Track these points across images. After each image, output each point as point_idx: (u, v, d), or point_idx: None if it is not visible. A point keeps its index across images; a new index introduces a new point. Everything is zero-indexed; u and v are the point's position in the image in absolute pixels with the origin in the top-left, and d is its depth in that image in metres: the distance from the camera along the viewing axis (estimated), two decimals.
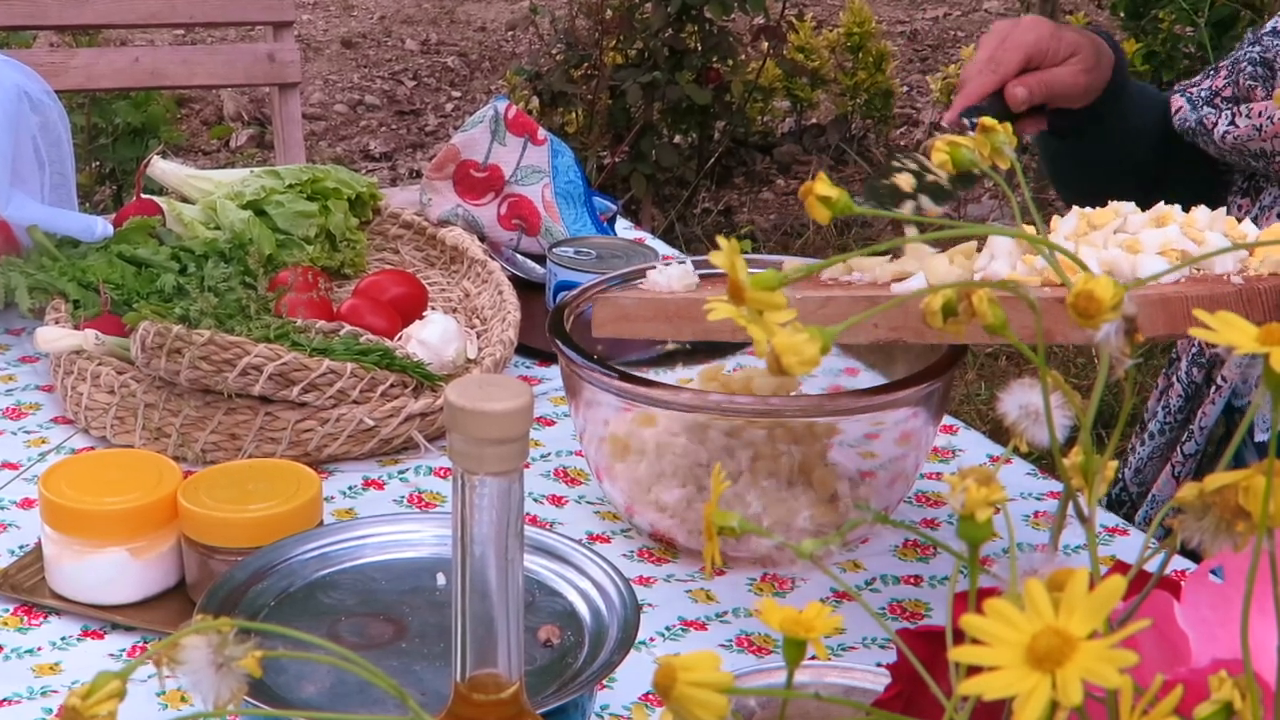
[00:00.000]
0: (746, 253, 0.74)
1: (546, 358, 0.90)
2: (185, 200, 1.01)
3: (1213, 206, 0.77)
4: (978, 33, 3.49)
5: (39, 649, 0.63)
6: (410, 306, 0.89)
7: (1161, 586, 0.27)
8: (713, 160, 2.50)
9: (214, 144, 2.91)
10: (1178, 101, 0.76)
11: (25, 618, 0.65)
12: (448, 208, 1.04)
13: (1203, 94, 0.76)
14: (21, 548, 0.70)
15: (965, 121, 0.67)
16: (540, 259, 1.00)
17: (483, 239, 1.02)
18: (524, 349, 0.90)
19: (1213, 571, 0.26)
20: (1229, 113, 0.72)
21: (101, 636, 0.64)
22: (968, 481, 0.28)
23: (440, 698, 0.36)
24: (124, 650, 0.63)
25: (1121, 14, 2.77)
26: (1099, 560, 0.27)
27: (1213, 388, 0.76)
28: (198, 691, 0.28)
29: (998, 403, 0.29)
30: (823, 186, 0.31)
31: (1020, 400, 0.28)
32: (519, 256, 1.03)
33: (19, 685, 0.60)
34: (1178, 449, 0.79)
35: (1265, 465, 0.25)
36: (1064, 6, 2.84)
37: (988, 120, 0.33)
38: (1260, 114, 0.70)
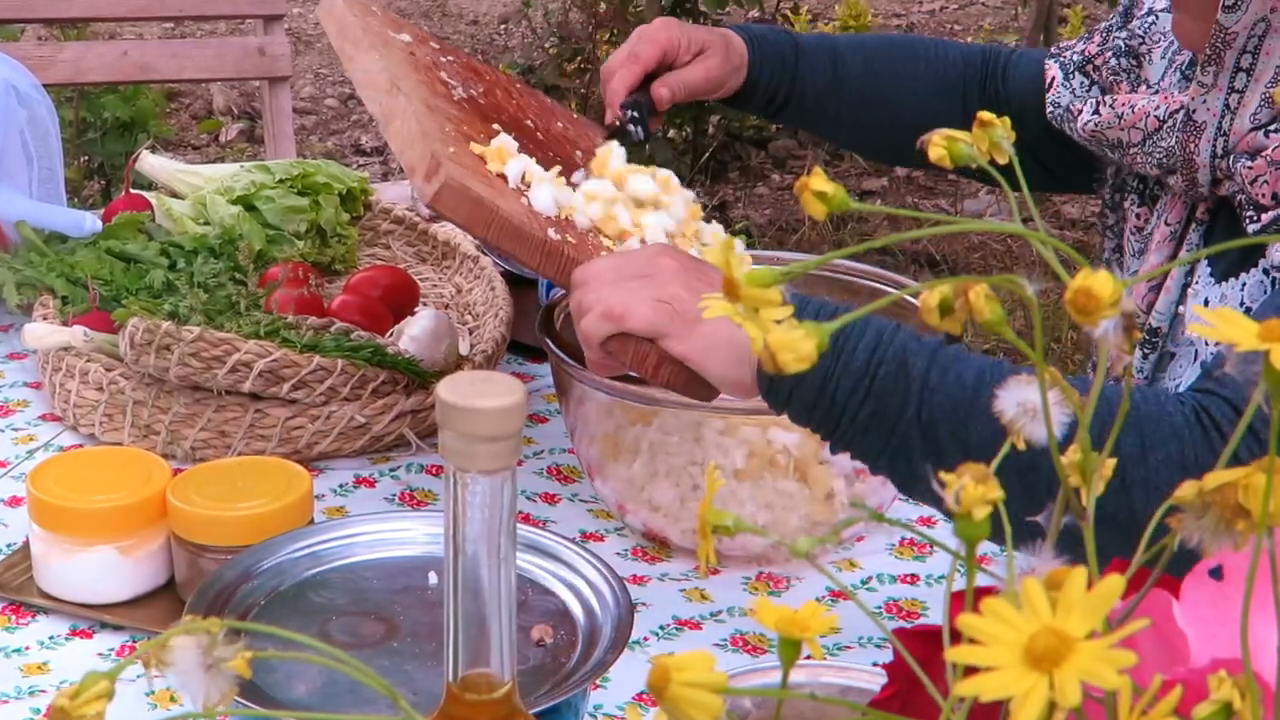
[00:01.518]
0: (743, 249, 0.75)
1: (539, 354, 0.90)
2: (175, 195, 1.01)
3: (1080, 189, 0.78)
4: (974, 26, 3.50)
5: (27, 648, 0.62)
6: (401, 302, 0.89)
7: (1160, 585, 0.27)
8: (707, 155, 2.50)
9: (204, 138, 2.89)
10: (1051, 69, 0.75)
11: (13, 617, 0.64)
12: None
13: (1075, 58, 0.75)
14: (9, 546, 0.70)
15: (626, 114, 0.75)
16: None
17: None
18: (516, 345, 0.90)
19: (1211, 571, 0.26)
20: (1094, 102, 0.71)
21: (90, 636, 0.63)
22: (964, 479, 0.28)
23: (432, 697, 0.35)
24: (113, 650, 0.62)
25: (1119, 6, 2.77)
26: (1097, 559, 0.27)
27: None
28: (187, 692, 0.28)
29: (995, 400, 0.28)
30: (818, 182, 0.30)
31: (1018, 397, 0.28)
32: None
33: (7, 685, 0.60)
34: None
35: (1265, 463, 0.24)
36: (1062, 0, 2.85)
37: (985, 115, 0.33)
38: (1124, 104, 0.69)
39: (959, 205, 2.55)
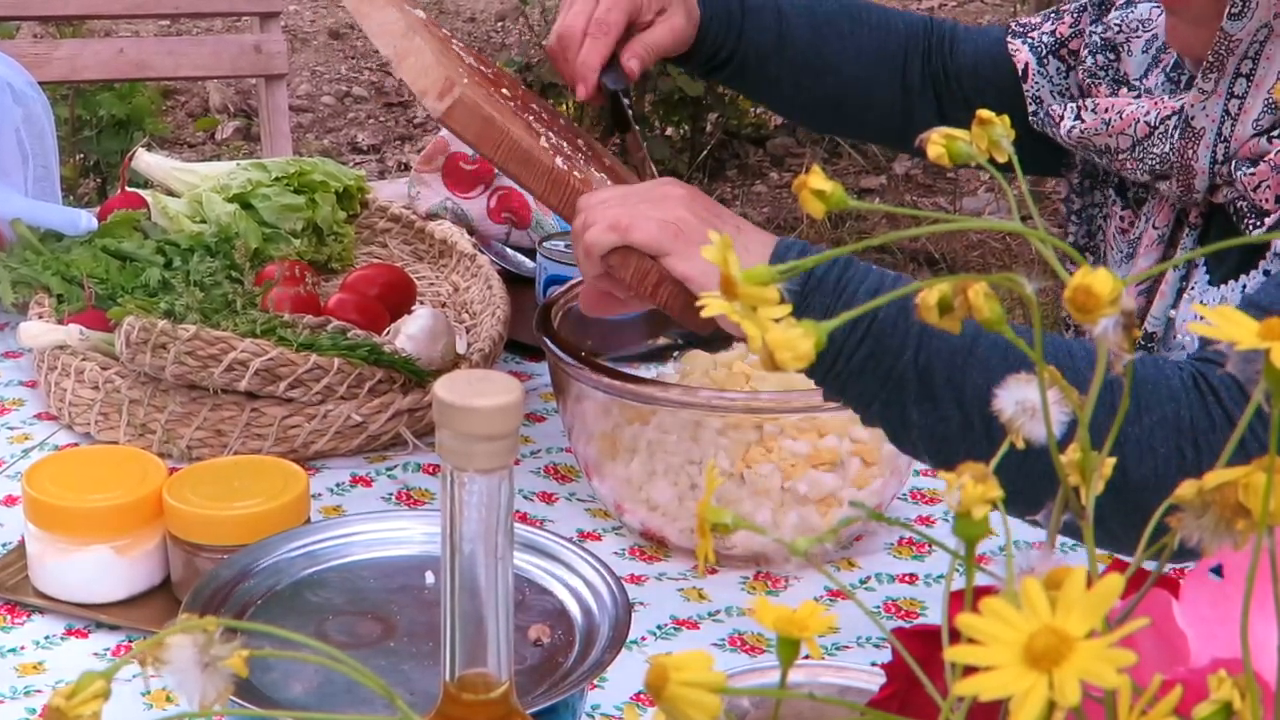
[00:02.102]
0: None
1: (536, 353, 0.90)
2: (170, 193, 1.01)
3: (1042, 170, 0.75)
4: (973, 22, 3.49)
5: (22, 648, 0.62)
6: (398, 301, 0.88)
7: (1160, 585, 0.27)
8: (705, 153, 2.49)
9: (200, 136, 2.89)
10: (1017, 49, 0.73)
11: (8, 616, 0.64)
12: (436, 201, 1.03)
13: (1044, 38, 0.73)
14: (4, 546, 0.69)
15: (614, 90, 0.72)
16: (530, 253, 1.00)
17: (472, 232, 1.01)
18: (514, 344, 0.90)
19: (1212, 570, 0.26)
20: (1074, 106, 0.70)
21: (86, 635, 0.63)
22: (964, 478, 0.28)
23: (429, 697, 0.35)
24: (109, 649, 0.62)
25: None
26: (1096, 558, 0.27)
27: None
28: (183, 691, 0.28)
29: (995, 398, 0.28)
30: (817, 180, 0.30)
31: (1017, 396, 0.28)
32: (508, 250, 1.03)
33: (2, 685, 0.59)
34: None
35: (1266, 461, 0.24)
36: None
37: (985, 113, 0.32)
38: (1109, 110, 0.68)
39: (958, 203, 2.55)
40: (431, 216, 1.02)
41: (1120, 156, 0.69)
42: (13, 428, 0.81)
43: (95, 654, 0.62)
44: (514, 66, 2.45)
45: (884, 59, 0.80)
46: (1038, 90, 0.73)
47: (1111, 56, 0.72)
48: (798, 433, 0.67)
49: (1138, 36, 0.71)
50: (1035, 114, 0.73)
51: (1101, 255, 0.74)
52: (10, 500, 0.74)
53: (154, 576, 0.65)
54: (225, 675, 0.28)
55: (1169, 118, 0.66)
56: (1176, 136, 0.66)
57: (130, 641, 0.63)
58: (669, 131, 2.50)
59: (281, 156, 1.14)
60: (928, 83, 0.81)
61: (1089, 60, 0.72)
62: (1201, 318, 0.25)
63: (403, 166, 2.73)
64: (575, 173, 0.63)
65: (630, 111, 0.74)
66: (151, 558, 0.65)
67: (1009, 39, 0.75)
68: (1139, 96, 0.69)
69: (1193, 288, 0.67)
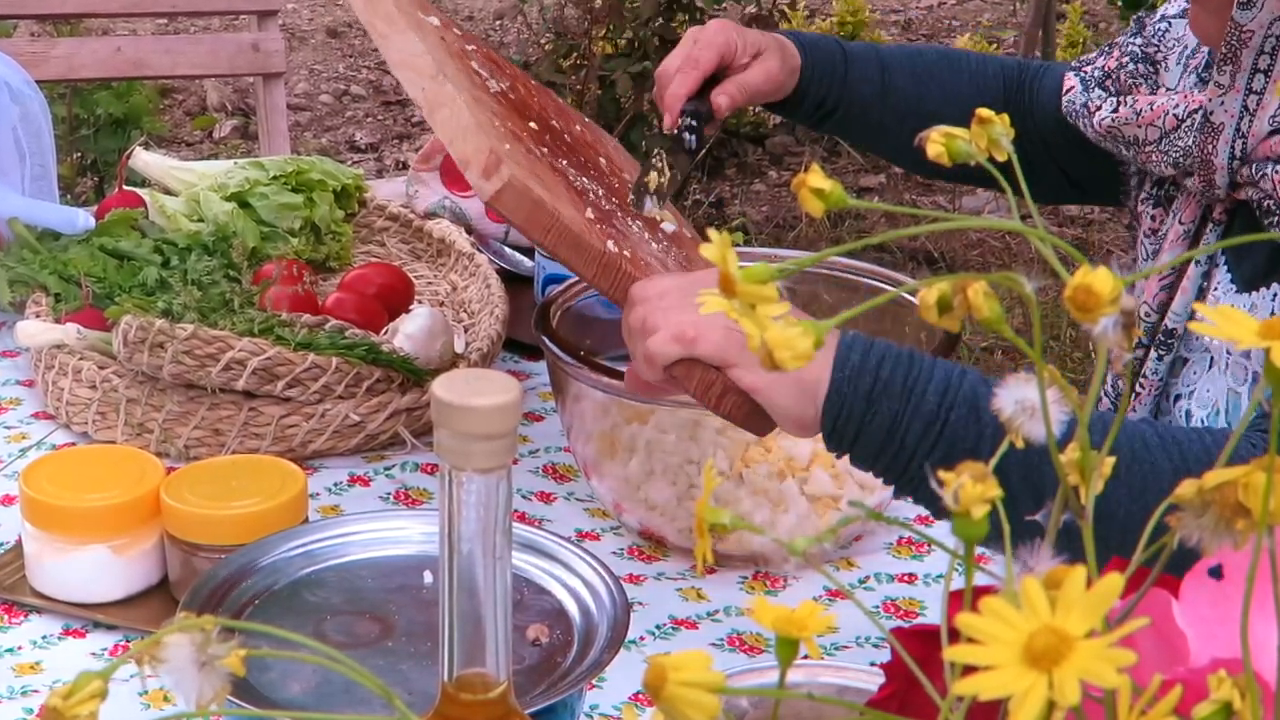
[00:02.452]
0: (738, 245, 0.75)
1: (535, 352, 0.90)
2: (168, 192, 1.00)
3: (1106, 200, 0.77)
4: (972, 22, 3.49)
5: (19, 648, 0.62)
6: (396, 300, 0.88)
7: (1160, 585, 0.27)
8: (704, 151, 2.49)
9: (197, 135, 2.88)
10: (1070, 80, 0.76)
11: (5, 616, 0.64)
12: (435, 199, 1.03)
13: (1095, 73, 0.75)
14: (2, 545, 0.69)
15: (683, 121, 0.74)
16: (528, 251, 0.99)
17: (470, 231, 1.01)
18: (512, 343, 0.90)
19: (1211, 570, 0.26)
20: (1114, 100, 0.72)
21: (83, 635, 0.63)
22: (963, 477, 0.28)
23: (427, 697, 0.35)
24: (106, 649, 0.62)
25: (1119, 3, 2.78)
26: (1094, 558, 0.27)
27: (1133, 394, 0.76)
28: (180, 691, 0.28)
29: (994, 398, 0.28)
30: (816, 178, 0.30)
31: (1016, 395, 0.28)
32: (507, 249, 1.03)
33: None
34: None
35: (1266, 461, 0.24)
36: None
37: (984, 112, 0.32)
38: (1144, 102, 0.69)
39: (957, 202, 2.55)
40: (429, 215, 1.02)
41: (1147, 148, 0.69)
42: (10, 427, 0.81)
43: (93, 654, 0.62)
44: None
45: (983, 104, 0.83)
46: (1073, 98, 0.74)
47: (1150, 68, 0.73)
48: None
49: (1173, 51, 0.73)
50: (1069, 108, 0.74)
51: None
52: (7, 500, 0.73)
53: (151, 576, 0.65)
54: (223, 675, 0.28)
55: (1195, 111, 0.66)
56: (1197, 131, 0.66)
57: (128, 641, 0.63)
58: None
59: (279, 155, 1.13)
60: (1014, 124, 0.83)
61: (1130, 66, 0.73)
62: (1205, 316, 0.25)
63: (401, 165, 2.73)
64: (625, 253, 0.60)
65: (690, 138, 0.73)
66: (149, 557, 0.64)
67: (1067, 73, 0.77)
68: (1175, 93, 0.70)
69: (1215, 287, 0.67)
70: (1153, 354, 0.69)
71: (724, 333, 0.54)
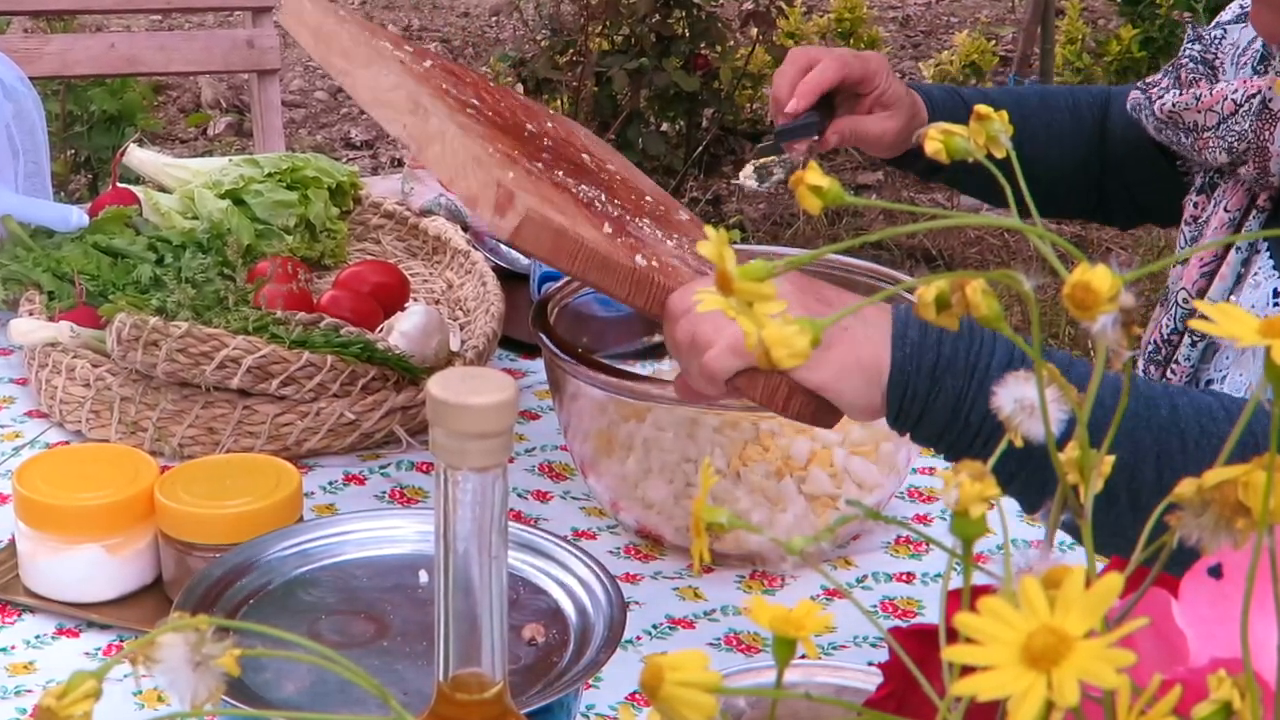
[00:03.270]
0: (735, 243, 0.75)
1: (531, 350, 0.89)
2: (162, 189, 1.00)
3: (1166, 220, 0.80)
4: (970, 19, 3.49)
5: (13, 647, 0.62)
6: (391, 298, 0.88)
7: (1159, 584, 0.27)
8: (701, 148, 2.49)
9: (191, 132, 2.87)
10: (1136, 96, 0.78)
11: None
12: (430, 197, 1.02)
13: (1157, 95, 0.78)
14: None
15: (807, 117, 0.75)
16: None
17: (466, 229, 1.01)
18: (508, 341, 0.90)
19: (1210, 569, 0.26)
20: (1176, 90, 0.73)
21: (77, 635, 0.63)
22: (961, 477, 0.27)
23: (423, 697, 0.35)
24: (100, 649, 0.62)
25: (1118, 0, 2.78)
26: (1095, 557, 0.27)
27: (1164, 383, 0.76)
28: (175, 691, 0.27)
29: (992, 396, 0.28)
30: (813, 175, 0.30)
31: (1015, 394, 0.28)
32: (503, 246, 1.02)
33: None
34: None
35: (1266, 460, 0.24)
36: None
37: (982, 109, 0.32)
38: (1203, 88, 0.71)
39: (955, 199, 2.55)
40: (425, 213, 1.02)
41: (1205, 134, 0.69)
42: (3, 425, 0.81)
43: (86, 653, 0.61)
44: (508, 62, 2.44)
45: (1079, 135, 0.85)
46: (1135, 101, 0.76)
47: (1209, 70, 0.74)
48: (795, 431, 0.67)
49: (1228, 56, 0.74)
50: (1133, 103, 0.75)
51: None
52: (1, 499, 0.73)
53: (145, 575, 0.64)
54: (217, 675, 0.28)
55: (1253, 96, 0.67)
56: (1255, 116, 0.66)
57: (122, 641, 0.62)
58: (664, 127, 2.49)
59: (274, 152, 1.13)
60: (1099, 150, 0.86)
61: (1190, 66, 0.74)
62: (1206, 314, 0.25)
63: (396, 162, 2.72)
64: (654, 263, 0.57)
65: (816, 136, 0.74)
66: (143, 557, 0.64)
67: (1133, 93, 0.79)
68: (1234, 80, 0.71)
69: (1256, 272, 0.67)
70: (1186, 339, 0.69)
71: None
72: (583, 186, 0.63)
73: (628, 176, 0.73)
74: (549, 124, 0.74)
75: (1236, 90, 0.68)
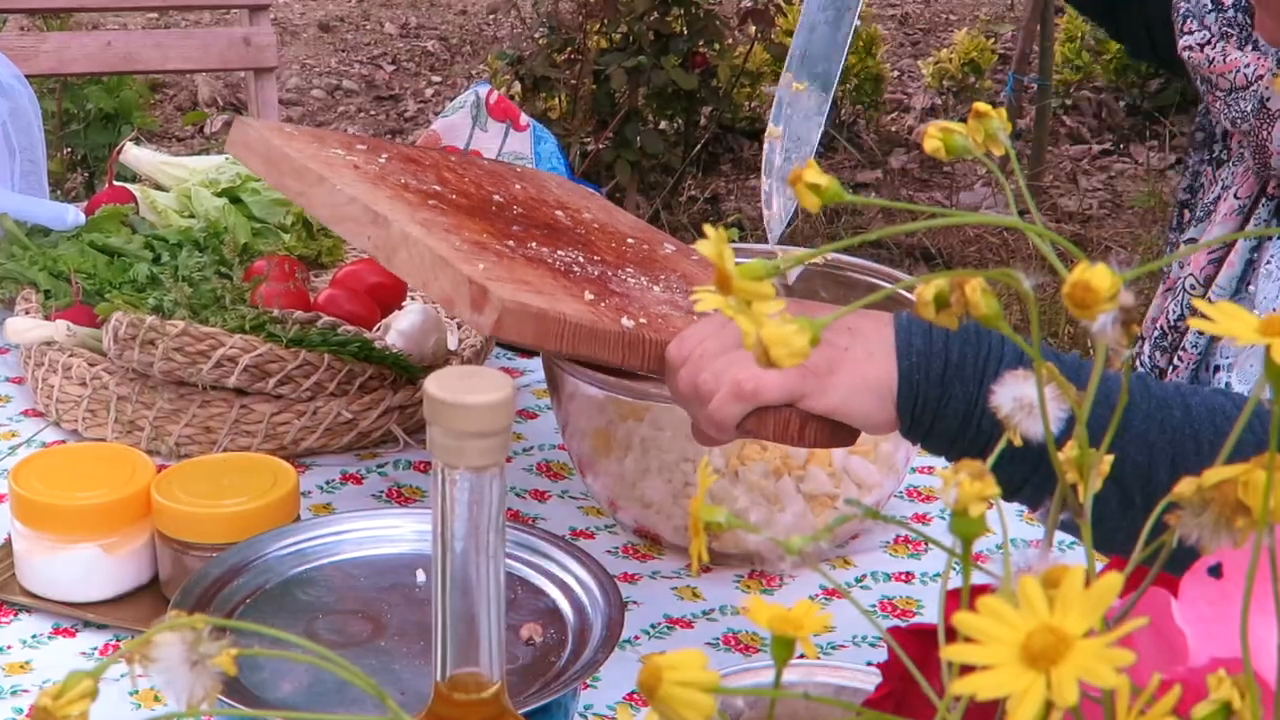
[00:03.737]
0: (734, 241, 0.74)
1: (529, 349, 0.89)
2: (159, 187, 1.00)
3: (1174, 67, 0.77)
4: (970, 16, 3.49)
5: (9, 647, 0.61)
6: (389, 296, 0.88)
7: (1159, 583, 0.27)
8: (699, 147, 2.49)
9: (188, 130, 2.87)
10: None
11: None
12: None
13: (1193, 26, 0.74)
14: None
15: None
16: None
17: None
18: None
19: (1210, 569, 0.26)
20: (1205, 34, 0.70)
21: (73, 634, 0.63)
22: (960, 476, 0.27)
23: (420, 697, 0.35)
24: (96, 648, 0.62)
25: None
26: (1094, 556, 0.27)
27: (1171, 369, 0.75)
28: (171, 690, 0.27)
29: (991, 395, 0.28)
30: (812, 174, 0.30)
31: (1014, 392, 0.28)
32: None
33: None
34: None
35: (1266, 459, 0.24)
36: None
37: (981, 106, 0.32)
38: (1220, 51, 0.69)
39: (954, 198, 2.55)
40: None
41: (1216, 93, 0.69)
42: (0, 425, 0.81)
43: (83, 653, 0.61)
44: (506, 60, 2.43)
45: None
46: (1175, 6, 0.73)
47: (1248, 18, 0.72)
48: None
49: None
50: (1176, 11, 0.73)
51: (1194, 211, 0.73)
52: None
53: (142, 575, 0.64)
54: (214, 674, 0.27)
55: (1262, 76, 0.66)
56: (1253, 116, 0.66)
57: (118, 640, 0.62)
58: (663, 125, 2.49)
59: None
60: None
61: (1230, 13, 0.72)
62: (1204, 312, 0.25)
63: None
64: (642, 319, 0.56)
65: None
66: (139, 556, 0.64)
67: None
68: (1254, 49, 0.69)
69: (1269, 261, 0.66)
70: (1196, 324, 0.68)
71: (779, 372, 0.51)
72: (559, 253, 0.61)
73: (606, 221, 0.71)
74: (517, 186, 0.72)
75: (1249, 65, 0.67)
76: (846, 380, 0.52)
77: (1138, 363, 0.79)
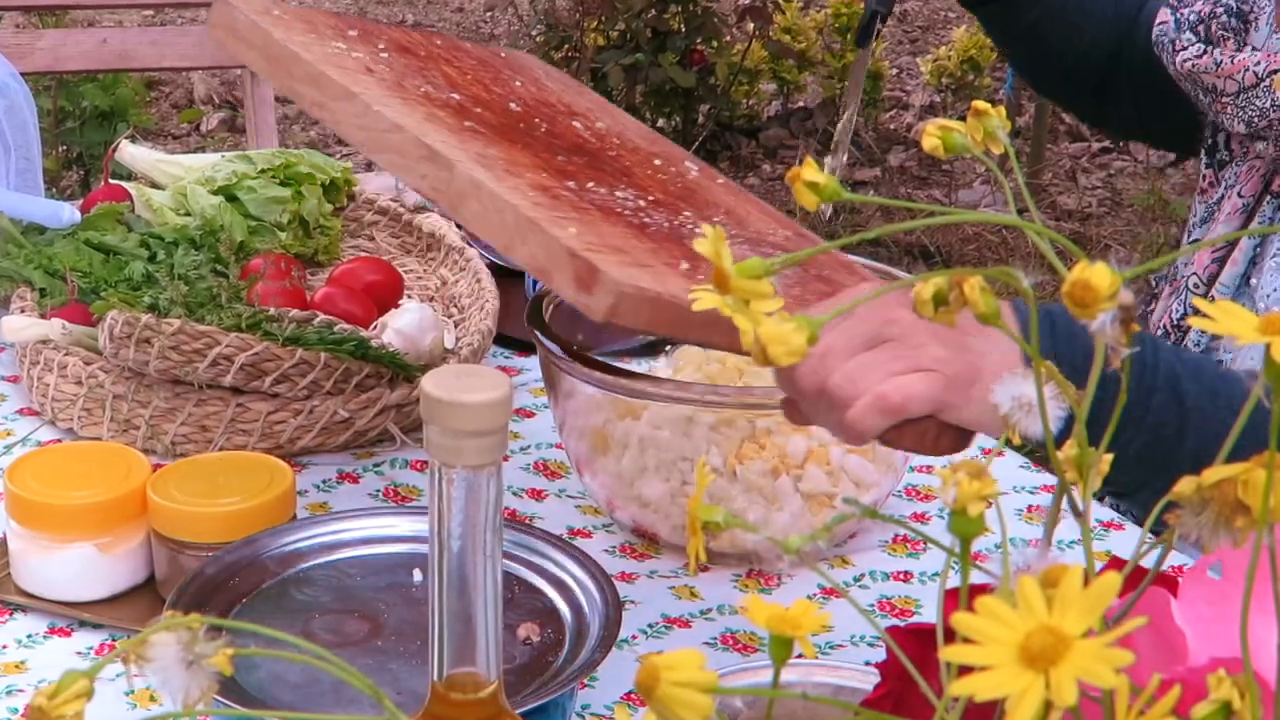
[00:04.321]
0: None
1: (526, 348, 0.89)
2: (155, 186, 0.99)
3: (1172, 148, 0.78)
4: (968, 14, 3.49)
5: (4, 647, 0.61)
6: (386, 295, 0.88)
7: (1158, 583, 0.27)
8: (697, 144, 2.48)
9: (184, 128, 2.86)
10: (1164, 15, 0.76)
11: None
12: None
13: (1190, 16, 0.75)
14: None
15: (871, 7, 0.78)
16: None
17: (460, 225, 1.00)
18: (502, 339, 0.89)
19: (1210, 568, 0.26)
20: (1200, 46, 0.71)
21: (69, 634, 0.62)
22: (959, 475, 0.27)
23: (417, 697, 0.35)
24: (92, 648, 0.61)
25: None
26: (1094, 556, 0.27)
27: None
28: (167, 690, 0.27)
29: (990, 394, 0.28)
30: (810, 172, 0.30)
31: (1013, 391, 0.28)
32: None
33: None
34: None
35: (1266, 458, 0.24)
36: None
37: (980, 104, 0.32)
38: (1226, 54, 0.69)
39: (953, 196, 2.55)
40: (419, 209, 1.01)
41: (1224, 99, 0.68)
42: None
43: (78, 653, 0.61)
44: None
45: (1117, 25, 0.82)
46: (1163, 31, 0.73)
47: (1241, 24, 0.72)
48: (791, 430, 0.67)
49: (1264, 11, 0.72)
50: (1158, 38, 0.73)
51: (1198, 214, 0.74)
52: None
53: (138, 574, 0.64)
54: (210, 674, 0.27)
55: (1275, 72, 0.66)
56: (1277, 96, 0.65)
57: (114, 640, 0.62)
58: (660, 123, 2.49)
59: (267, 148, 1.12)
60: (1118, 48, 0.83)
61: (1223, 18, 0.72)
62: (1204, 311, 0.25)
63: None
64: None
65: (876, 33, 0.75)
66: (135, 555, 0.64)
67: (1162, 9, 0.76)
68: (1259, 50, 0.69)
69: (1275, 254, 0.66)
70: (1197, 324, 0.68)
71: (924, 381, 0.49)
72: (618, 194, 0.54)
73: (620, 131, 0.62)
74: (517, 83, 0.62)
75: (1259, 63, 0.66)
76: (985, 393, 0.48)
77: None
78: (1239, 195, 0.69)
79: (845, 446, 0.67)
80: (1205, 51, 0.70)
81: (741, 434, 0.66)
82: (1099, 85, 0.83)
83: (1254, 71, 0.67)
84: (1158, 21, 0.75)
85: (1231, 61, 0.68)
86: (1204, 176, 0.73)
